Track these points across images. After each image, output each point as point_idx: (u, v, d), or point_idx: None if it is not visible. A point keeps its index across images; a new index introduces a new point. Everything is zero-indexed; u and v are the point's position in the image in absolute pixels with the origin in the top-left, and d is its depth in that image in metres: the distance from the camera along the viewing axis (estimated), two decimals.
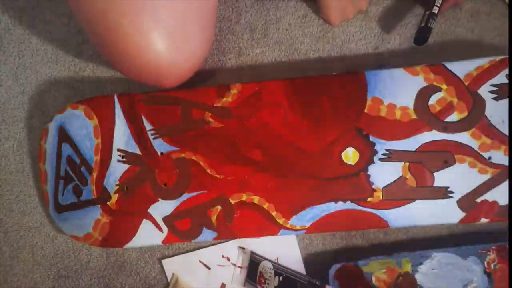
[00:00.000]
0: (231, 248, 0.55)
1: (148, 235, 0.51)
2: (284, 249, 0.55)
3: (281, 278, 0.52)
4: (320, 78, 0.50)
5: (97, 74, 0.57)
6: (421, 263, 0.51)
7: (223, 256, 0.55)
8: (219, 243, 0.56)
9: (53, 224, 0.57)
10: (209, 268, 0.55)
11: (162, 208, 0.51)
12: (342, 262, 0.52)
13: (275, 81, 0.50)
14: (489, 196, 0.48)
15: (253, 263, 0.54)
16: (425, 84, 0.48)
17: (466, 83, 0.48)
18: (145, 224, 0.51)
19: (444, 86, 0.48)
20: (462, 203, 0.48)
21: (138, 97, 0.51)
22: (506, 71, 0.47)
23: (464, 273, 0.50)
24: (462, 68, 0.48)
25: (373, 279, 0.51)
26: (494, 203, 0.48)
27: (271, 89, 0.50)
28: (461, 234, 0.55)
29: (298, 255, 0.55)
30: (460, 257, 0.50)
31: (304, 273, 0.54)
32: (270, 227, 0.50)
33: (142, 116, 0.51)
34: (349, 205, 0.49)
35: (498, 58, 0.47)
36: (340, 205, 0.49)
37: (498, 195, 0.48)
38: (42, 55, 0.57)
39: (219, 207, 0.51)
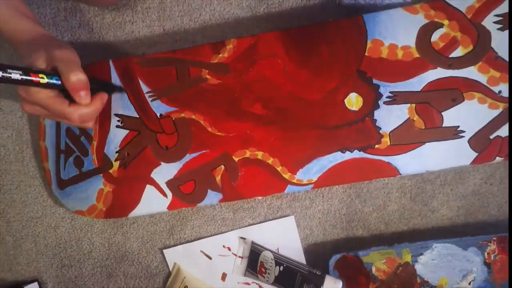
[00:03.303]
0: (232, 238, 0.56)
1: (152, 201, 0.51)
2: (284, 240, 0.55)
3: (281, 268, 0.52)
4: (316, 25, 0.48)
5: (94, 60, 0.55)
6: (421, 254, 0.51)
7: (224, 246, 0.56)
8: (220, 233, 0.56)
9: (55, 213, 0.58)
10: (210, 258, 0.56)
11: (165, 172, 0.50)
12: (342, 253, 0.52)
13: (270, 32, 0.48)
14: (502, 132, 0.47)
15: (254, 253, 0.54)
16: (426, 21, 0.46)
17: (469, 16, 0.46)
18: (149, 190, 0.51)
19: (446, 22, 0.46)
20: (474, 142, 0.47)
21: (133, 60, 0.50)
22: None
23: (464, 263, 0.51)
24: (462, 1, 0.46)
25: (373, 269, 0.52)
26: (508, 139, 0.47)
27: (267, 41, 0.48)
28: (462, 225, 0.55)
29: (298, 245, 0.55)
30: (460, 248, 0.51)
31: (305, 263, 0.55)
32: (276, 184, 0.49)
33: (139, 79, 0.50)
34: (356, 154, 0.48)
35: None
36: (347, 155, 0.48)
37: None
38: None
39: (223, 166, 0.50)
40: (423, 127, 0.47)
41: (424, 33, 0.46)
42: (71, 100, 0.42)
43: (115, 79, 0.50)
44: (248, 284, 0.55)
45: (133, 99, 0.50)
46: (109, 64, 0.50)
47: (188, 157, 0.50)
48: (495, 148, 0.47)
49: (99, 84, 0.49)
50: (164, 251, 0.56)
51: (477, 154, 0.47)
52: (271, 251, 0.54)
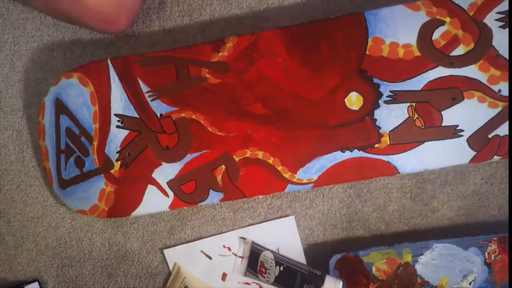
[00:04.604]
0: (232, 239, 0.56)
1: (154, 201, 0.51)
2: (285, 240, 0.55)
3: (281, 268, 0.52)
4: (317, 23, 0.48)
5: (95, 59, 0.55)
6: (421, 254, 0.51)
7: (224, 246, 0.56)
8: (220, 233, 0.56)
9: (56, 213, 0.58)
10: (210, 258, 0.56)
11: (166, 172, 0.51)
12: (342, 253, 0.52)
13: (270, 30, 0.48)
14: (501, 131, 0.47)
15: (254, 253, 0.54)
16: (427, 18, 0.46)
17: (471, 13, 0.46)
18: (151, 190, 0.51)
19: (448, 19, 0.46)
20: (473, 141, 0.47)
21: (132, 59, 0.50)
22: None
23: (464, 263, 0.51)
24: None
25: (373, 269, 0.51)
26: (506, 138, 0.47)
27: (267, 38, 0.48)
28: (462, 225, 0.55)
29: (299, 245, 0.55)
30: (461, 248, 0.50)
31: (305, 263, 0.55)
32: (277, 183, 0.50)
33: (138, 79, 0.50)
34: (356, 153, 0.48)
35: None
36: (347, 154, 0.48)
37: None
38: (38, 42, 0.55)
39: (224, 166, 0.50)
40: (423, 126, 0.47)
41: (426, 31, 0.46)
42: None
43: (114, 78, 0.50)
44: (248, 284, 0.55)
45: (133, 99, 0.50)
46: (108, 63, 0.50)
47: (189, 157, 0.50)
48: (493, 147, 0.47)
49: None
50: (164, 251, 0.56)
51: (475, 153, 0.47)
52: (271, 251, 0.54)
